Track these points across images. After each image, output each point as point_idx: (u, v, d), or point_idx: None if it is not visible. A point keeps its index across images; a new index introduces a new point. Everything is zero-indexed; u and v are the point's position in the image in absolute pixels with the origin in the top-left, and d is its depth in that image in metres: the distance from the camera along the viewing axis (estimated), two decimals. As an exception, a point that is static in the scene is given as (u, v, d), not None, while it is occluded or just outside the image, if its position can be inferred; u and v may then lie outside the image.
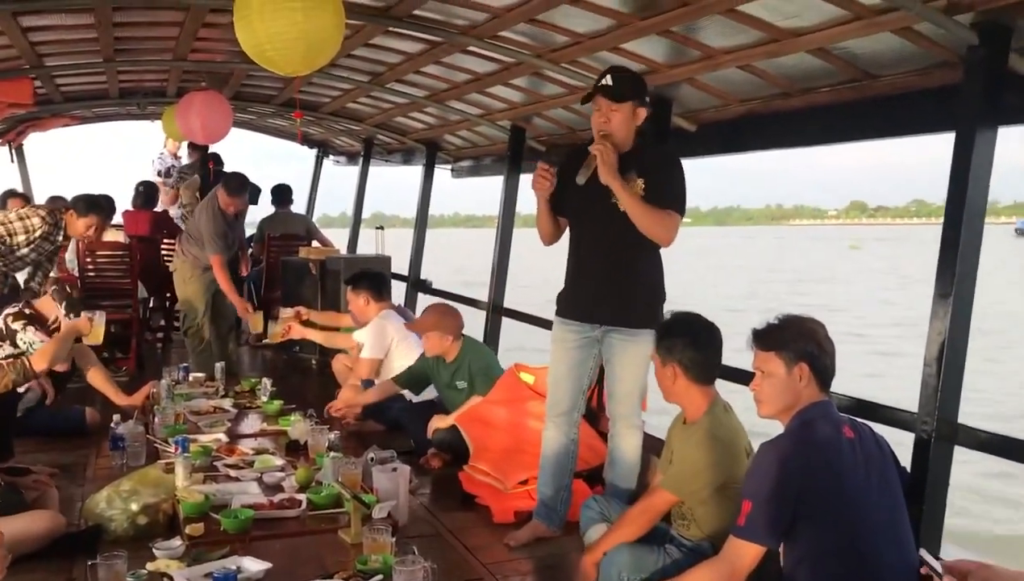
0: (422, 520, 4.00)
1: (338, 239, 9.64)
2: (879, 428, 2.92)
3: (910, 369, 4.42)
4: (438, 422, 4.90)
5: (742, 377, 3.81)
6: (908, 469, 3.03)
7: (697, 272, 37.81)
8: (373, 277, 6.03)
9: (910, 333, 17.77)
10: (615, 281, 3.68)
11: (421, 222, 8.62)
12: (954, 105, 3.27)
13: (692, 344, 3.20)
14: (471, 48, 4.88)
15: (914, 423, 3.22)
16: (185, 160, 9.71)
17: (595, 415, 4.62)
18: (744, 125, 4.65)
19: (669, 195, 3.55)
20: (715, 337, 3.26)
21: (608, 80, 3.56)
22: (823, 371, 2.71)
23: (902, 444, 3.06)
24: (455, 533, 3.87)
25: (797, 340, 2.71)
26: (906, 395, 3.73)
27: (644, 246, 3.60)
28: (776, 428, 2.77)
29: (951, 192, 3.17)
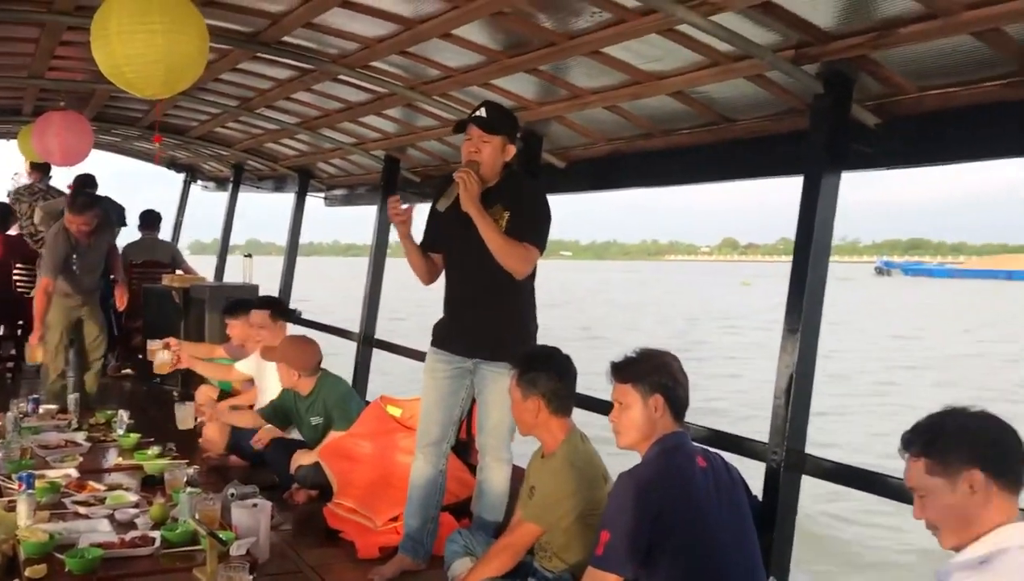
0: (283, 557, 3.88)
1: (209, 266, 9.40)
2: (733, 458, 3.06)
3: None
4: (302, 457, 4.80)
5: (602, 407, 3.94)
6: (759, 497, 3.18)
7: (624, 310, 38.39)
8: (272, 301, 5.90)
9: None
10: (487, 313, 3.71)
11: (292, 250, 8.50)
12: (802, 150, 3.48)
13: (555, 377, 3.28)
14: (342, 77, 4.88)
15: (765, 453, 3.36)
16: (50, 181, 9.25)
17: (465, 447, 4.63)
18: (610, 163, 4.80)
19: (530, 229, 3.59)
20: (573, 368, 3.37)
21: (483, 112, 3.62)
22: (677, 403, 2.81)
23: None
24: (317, 570, 3.79)
25: (652, 373, 2.81)
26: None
27: (515, 282, 3.63)
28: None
29: (799, 233, 3.35)
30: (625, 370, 2.87)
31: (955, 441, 2.04)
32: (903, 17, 2.87)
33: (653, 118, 4.28)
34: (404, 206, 3.65)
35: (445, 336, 3.83)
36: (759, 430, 3.59)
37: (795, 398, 3.28)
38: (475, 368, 3.77)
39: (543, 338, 3.75)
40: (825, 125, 3.32)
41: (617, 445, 2.91)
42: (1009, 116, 3.00)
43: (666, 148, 4.40)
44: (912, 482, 2.11)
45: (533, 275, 3.73)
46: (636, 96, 4.01)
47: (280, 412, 5.17)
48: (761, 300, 43.95)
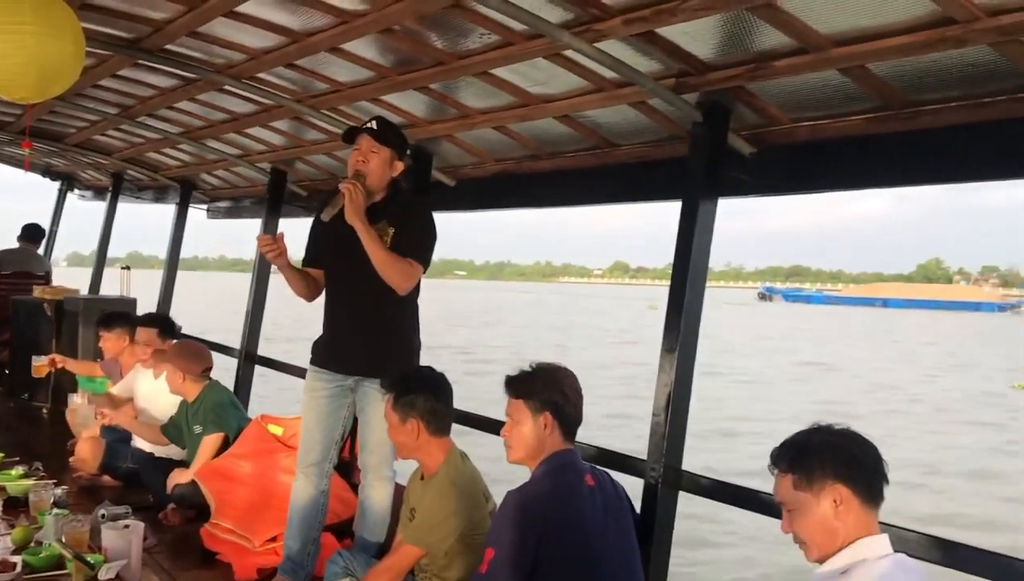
0: (156, 580, 3.77)
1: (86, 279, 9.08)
2: (617, 475, 3.13)
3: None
4: (179, 476, 4.67)
5: (485, 425, 3.97)
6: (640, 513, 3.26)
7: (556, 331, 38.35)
8: (160, 318, 5.70)
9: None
10: (368, 330, 3.68)
11: (172, 263, 8.29)
12: (682, 175, 3.60)
13: (432, 397, 3.28)
14: (228, 87, 4.80)
15: (644, 470, 3.44)
16: None
17: (347, 466, 4.58)
18: (499, 183, 4.87)
19: (415, 245, 3.60)
20: (448, 387, 3.39)
21: (374, 124, 3.62)
22: (567, 420, 2.86)
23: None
24: (192, 593, 3.70)
25: (543, 390, 2.85)
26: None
27: (397, 299, 3.62)
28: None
29: (677, 256, 3.47)
30: (518, 386, 2.91)
31: (820, 457, 2.15)
32: (776, 51, 3.01)
33: (540, 140, 4.36)
34: (275, 237, 3.59)
35: (325, 354, 3.79)
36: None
37: (672, 416, 3.38)
38: (356, 386, 3.73)
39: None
40: (704, 152, 3.45)
41: (507, 460, 2.94)
42: (873, 149, 3.20)
43: (553, 170, 4.49)
44: (780, 497, 2.20)
45: (417, 292, 3.74)
46: (524, 118, 4.09)
47: (176, 427, 5.03)
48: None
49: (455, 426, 3.44)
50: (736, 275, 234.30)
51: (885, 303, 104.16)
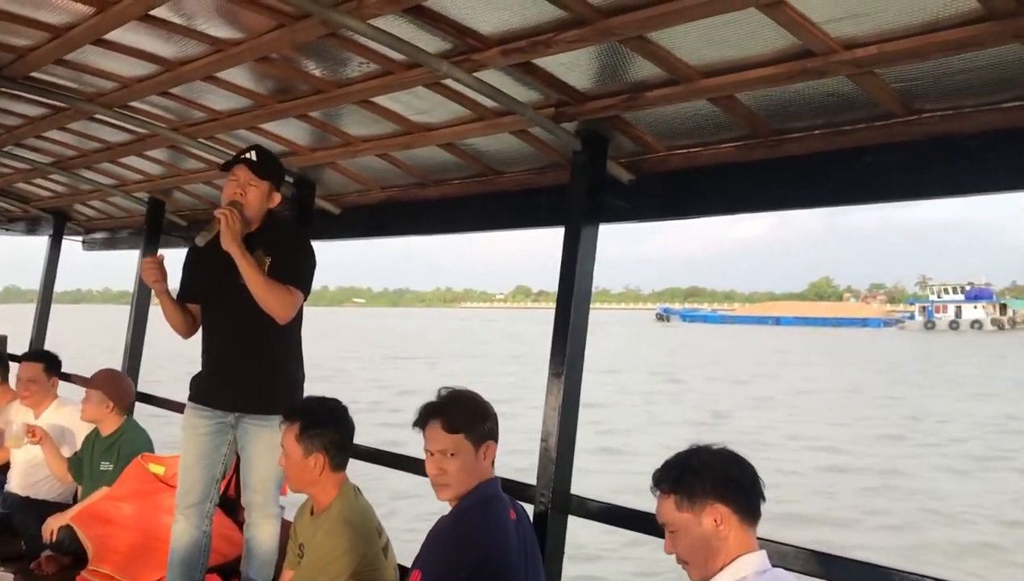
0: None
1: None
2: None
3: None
4: (56, 521, 4.48)
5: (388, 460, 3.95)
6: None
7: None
8: (45, 354, 5.41)
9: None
10: (248, 364, 3.64)
11: (46, 297, 7.97)
12: (564, 202, 3.71)
13: (338, 430, 3.25)
14: (100, 116, 4.68)
15: (534, 495, 3.49)
16: None
17: (232, 504, 4.49)
18: (385, 210, 4.89)
19: (293, 273, 3.58)
20: (352, 421, 3.34)
21: (253, 154, 3.60)
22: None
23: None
24: (66, 646, 3.57)
25: (482, 419, 2.84)
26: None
27: (276, 330, 3.59)
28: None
29: (561, 281, 3.57)
30: (453, 418, 2.80)
31: (700, 478, 2.23)
32: (649, 82, 3.15)
33: (425, 168, 4.41)
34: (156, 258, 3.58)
35: (205, 389, 3.73)
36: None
37: (560, 440, 3.45)
38: (237, 422, 3.68)
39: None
40: (584, 179, 3.56)
41: (439, 499, 2.84)
42: (743, 176, 3.36)
43: (439, 197, 4.54)
44: (663, 518, 2.28)
45: (299, 324, 3.71)
46: (407, 146, 4.13)
47: (78, 462, 4.86)
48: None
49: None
50: (635, 297, 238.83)
51: (778, 321, 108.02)
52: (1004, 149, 2.72)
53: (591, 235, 3.58)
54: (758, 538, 2.29)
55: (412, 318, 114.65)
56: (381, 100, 3.76)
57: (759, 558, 2.23)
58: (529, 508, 3.50)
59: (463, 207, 4.47)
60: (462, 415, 2.81)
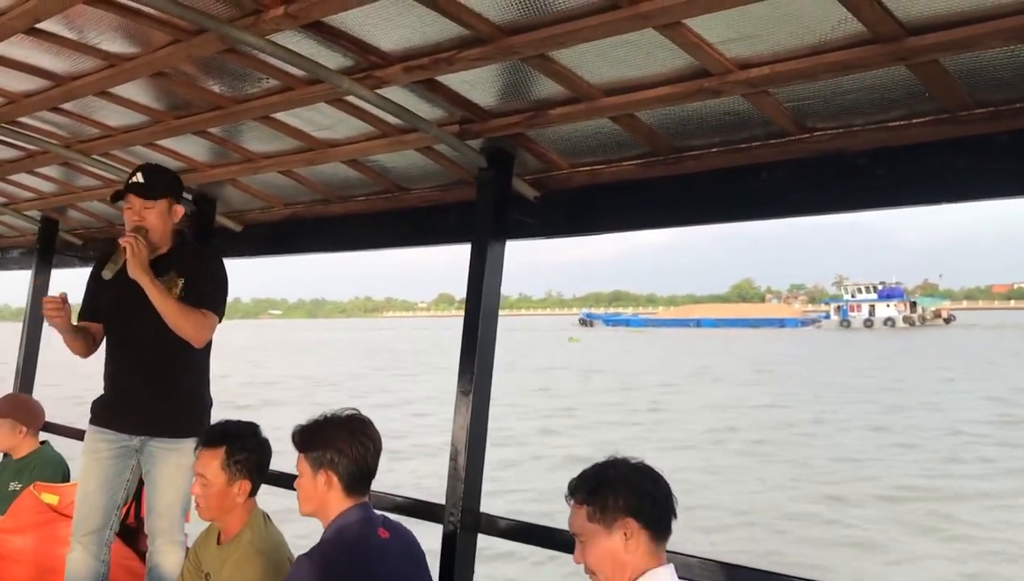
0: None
1: None
2: (414, 523, 3.20)
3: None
4: None
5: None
6: (439, 559, 3.34)
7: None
8: None
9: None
10: (155, 386, 3.62)
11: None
12: (470, 219, 3.76)
13: (262, 455, 3.26)
14: (-16, 133, 4.56)
15: (443, 515, 3.53)
16: None
17: (132, 532, 4.42)
18: (289, 227, 4.87)
19: (207, 295, 3.60)
20: (266, 441, 3.32)
21: (139, 177, 3.57)
22: (349, 475, 2.80)
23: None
24: None
25: (320, 445, 2.82)
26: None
27: (186, 349, 3.57)
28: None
29: (468, 297, 3.62)
30: (300, 438, 2.86)
31: (614, 491, 2.31)
32: (552, 100, 3.22)
33: (329, 184, 4.41)
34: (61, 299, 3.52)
35: (108, 413, 3.70)
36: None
37: (469, 458, 3.50)
38: (142, 446, 3.65)
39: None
40: (490, 197, 3.63)
41: (300, 512, 2.89)
42: (645, 193, 3.46)
43: (345, 214, 4.55)
44: (574, 528, 2.35)
45: (208, 346, 3.71)
46: (310, 162, 4.13)
47: None
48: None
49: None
50: (559, 303, 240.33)
51: (699, 323, 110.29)
52: (891, 166, 2.87)
53: (498, 252, 3.63)
54: (667, 550, 2.37)
55: (340, 330, 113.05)
56: (282, 116, 3.75)
57: (667, 572, 2.32)
58: (439, 528, 3.56)
59: (369, 224, 4.48)
60: (307, 437, 2.86)
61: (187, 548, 3.72)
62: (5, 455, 4.76)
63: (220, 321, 3.64)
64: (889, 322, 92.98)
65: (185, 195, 4.84)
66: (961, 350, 53.19)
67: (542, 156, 3.57)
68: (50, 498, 4.49)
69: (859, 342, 66.45)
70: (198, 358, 3.69)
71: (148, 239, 3.53)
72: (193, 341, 3.55)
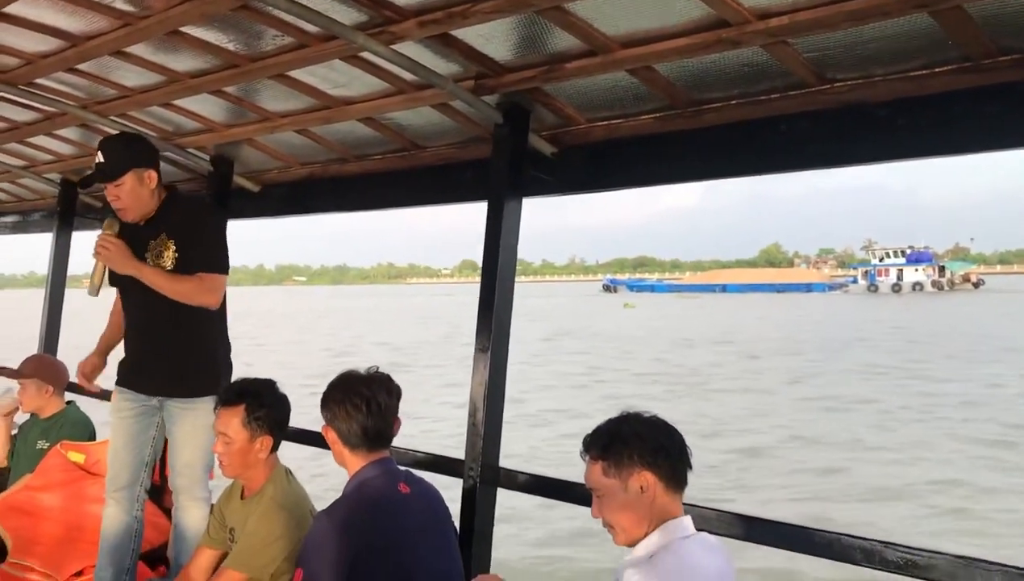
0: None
1: None
2: (436, 478, 3.25)
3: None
4: None
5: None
6: (458, 514, 3.39)
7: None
8: None
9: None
10: (167, 350, 3.68)
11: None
12: (486, 177, 3.77)
13: (281, 410, 3.32)
14: (4, 94, 4.59)
15: (462, 470, 3.58)
16: None
17: (158, 490, 4.51)
18: (306, 187, 4.91)
19: (202, 258, 3.58)
20: (285, 397, 3.38)
21: (100, 156, 3.54)
22: (359, 434, 2.88)
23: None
24: (-14, 641, 3.58)
25: (324, 406, 2.93)
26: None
27: (194, 312, 3.61)
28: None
29: (485, 256, 3.63)
30: (322, 403, 2.95)
31: (629, 445, 2.34)
32: (568, 53, 3.22)
33: (345, 143, 4.43)
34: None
35: (128, 373, 3.77)
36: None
37: (488, 414, 3.54)
38: (162, 406, 3.72)
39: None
40: (506, 153, 3.63)
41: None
42: (663, 147, 3.46)
43: (361, 173, 4.58)
44: (591, 483, 2.39)
45: (222, 305, 3.74)
46: (326, 120, 4.14)
47: (14, 446, 4.91)
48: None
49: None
50: (582, 269, 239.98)
51: (724, 288, 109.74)
52: (914, 116, 2.85)
53: (514, 209, 3.64)
54: (683, 504, 2.40)
55: (373, 297, 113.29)
56: (297, 74, 3.77)
57: (684, 523, 2.35)
58: (459, 483, 3.61)
59: (385, 183, 4.51)
60: (323, 400, 2.97)
61: (211, 505, 3.80)
62: (32, 415, 4.86)
63: (226, 274, 3.65)
64: (917, 286, 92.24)
65: (202, 156, 4.91)
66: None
67: (559, 111, 3.57)
68: (77, 456, 4.59)
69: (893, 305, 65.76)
70: (207, 318, 3.69)
71: (132, 216, 3.57)
72: (207, 306, 3.59)
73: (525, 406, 17.89)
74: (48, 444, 4.69)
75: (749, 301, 79.77)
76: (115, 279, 3.70)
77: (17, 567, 4.15)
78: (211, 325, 3.75)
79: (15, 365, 4.89)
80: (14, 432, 5.02)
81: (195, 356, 3.72)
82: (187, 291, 3.54)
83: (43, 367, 4.82)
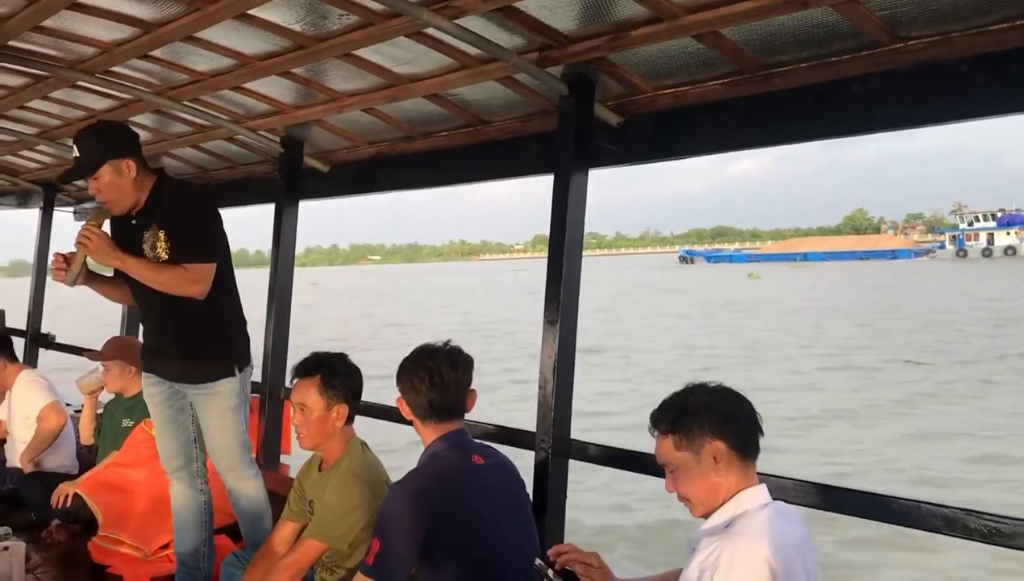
0: (43, 601, 3.84)
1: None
2: (508, 450, 3.31)
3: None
4: (68, 487, 4.68)
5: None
6: (531, 486, 3.44)
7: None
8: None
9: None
10: (173, 340, 3.67)
11: (40, 271, 8.14)
12: (552, 150, 3.79)
13: (357, 380, 3.39)
14: (82, 83, 4.78)
15: (534, 442, 3.64)
16: None
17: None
18: (374, 166, 4.99)
19: (190, 247, 3.48)
20: (357, 368, 3.44)
21: (75, 151, 3.46)
22: (433, 407, 2.94)
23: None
24: (82, 609, 3.77)
25: (399, 379, 3.00)
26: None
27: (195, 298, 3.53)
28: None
29: (552, 229, 3.66)
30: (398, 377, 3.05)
31: (697, 417, 2.35)
32: (633, 20, 3.21)
33: (412, 120, 4.51)
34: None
35: (149, 360, 3.79)
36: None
37: (558, 387, 3.58)
38: (183, 391, 3.76)
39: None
40: (571, 125, 3.63)
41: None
42: (731, 113, 3.44)
43: (427, 150, 4.65)
44: (663, 458, 2.41)
45: (227, 282, 3.69)
46: (392, 99, 4.21)
47: (99, 425, 5.15)
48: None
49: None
50: (658, 241, 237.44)
51: (805, 257, 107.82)
52: (992, 73, 2.78)
53: (581, 181, 3.65)
54: (758, 473, 2.41)
55: (455, 274, 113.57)
56: (363, 53, 3.83)
57: (759, 492, 2.36)
58: (531, 455, 3.67)
59: (451, 159, 4.56)
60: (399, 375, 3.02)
61: (261, 477, 3.88)
62: (116, 394, 5.06)
63: (215, 261, 3.53)
64: (1010, 251, 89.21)
65: (272, 137, 5.03)
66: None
67: (624, 80, 3.57)
68: (159, 433, 4.77)
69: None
70: (216, 299, 3.59)
71: (116, 206, 3.50)
72: (193, 296, 3.49)
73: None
74: (132, 423, 4.86)
75: (863, 269, 77.83)
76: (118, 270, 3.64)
77: (108, 540, 4.35)
78: (221, 306, 3.67)
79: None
80: (99, 411, 5.24)
81: (208, 340, 3.67)
82: (169, 282, 3.46)
83: (124, 348, 4.99)
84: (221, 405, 3.67)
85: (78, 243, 3.44)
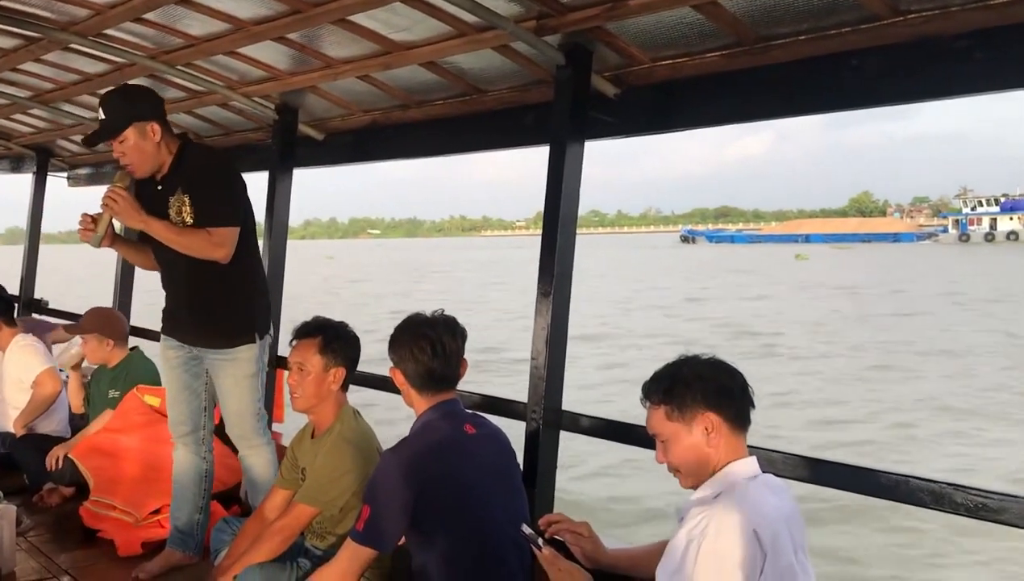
0: (33, 564, 3.90)
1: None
2: (499, 420, 3.33)
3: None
4: (61, 450, 4.72)
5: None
6: (522, 456, 3.47)
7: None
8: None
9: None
10: (199, 302, 3.71)
11: (33, 236, 8.19)
12: (548, 120, 3.78)
13: (356, 347, 3.43)
14: (75, 46, 4.76)
15: (525, 413, 3.67)
16: None
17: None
18: (369, 134, 4.99)
19: (213, 211, 3.54)
20: (357, 336, 3.47)
21: (101, 113, 3.52)
22: (425, 376, 2.93)
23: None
24: (74, 573, 3.85)
25: (391, 349, 2.99)
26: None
27: (217, 263, 3.57)
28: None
29: (547, 201, 3.66)
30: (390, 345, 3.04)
31: (690, 388, 2.37)
32: (632, -11, 3.20)
33: (407, 88, 4.49)
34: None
35: (169, 324, 3.84)
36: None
37: (550, 358, 3.60)
38: (202, 355, 3.79)
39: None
40: (568, 95, 3.63)
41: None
42: (729, 85, 3.44)
43: (423, 119, 4.64)
44: (654, 428, 2.42)
45: (249, 248, 3.74)
46: (388, 66, 4.20)
47: (88, 394, 5.17)
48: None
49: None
50: (660, 220, 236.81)
51: (807, 239, 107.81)
52: (994, 47, 2.77)
53: (577, 153, 3.65)
54: (748, 446, 2.43)
55: (462, 250, 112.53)
56: (359, 18, 3.81)
57: (749, 464, 2.38)
58: (522, 425, 3.69)
59: (447, 128, 4.56)
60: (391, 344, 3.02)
61: (273, 447, 3.93)
62: (100, 365, 5.08)
63: (238, 226, 3.58)
64: (1012, 236, 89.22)
65: (267, 104, 5.02)
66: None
67: (622, 50, 3.56)
68: (152, 400, 4.80)
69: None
70: (232, 267, 3.62)
71: (138, 169, 3.55)
72: (216, 260, 3.53)
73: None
74: (118, 392, 4.89)
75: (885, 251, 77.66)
76: (142, 234, 3.68)
77: (99, 504, 4.40)
78: (243, 271, 3.71)
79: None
80: (86, 380, 5.26)
81: (230, 306, 3.71)
82: (192, 245, 3.51)
83: (102, 320, 5.00)
84: (239, 372, 3.71)
85: (104, 205, 3.48)
